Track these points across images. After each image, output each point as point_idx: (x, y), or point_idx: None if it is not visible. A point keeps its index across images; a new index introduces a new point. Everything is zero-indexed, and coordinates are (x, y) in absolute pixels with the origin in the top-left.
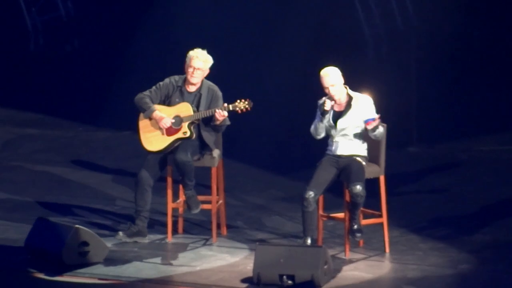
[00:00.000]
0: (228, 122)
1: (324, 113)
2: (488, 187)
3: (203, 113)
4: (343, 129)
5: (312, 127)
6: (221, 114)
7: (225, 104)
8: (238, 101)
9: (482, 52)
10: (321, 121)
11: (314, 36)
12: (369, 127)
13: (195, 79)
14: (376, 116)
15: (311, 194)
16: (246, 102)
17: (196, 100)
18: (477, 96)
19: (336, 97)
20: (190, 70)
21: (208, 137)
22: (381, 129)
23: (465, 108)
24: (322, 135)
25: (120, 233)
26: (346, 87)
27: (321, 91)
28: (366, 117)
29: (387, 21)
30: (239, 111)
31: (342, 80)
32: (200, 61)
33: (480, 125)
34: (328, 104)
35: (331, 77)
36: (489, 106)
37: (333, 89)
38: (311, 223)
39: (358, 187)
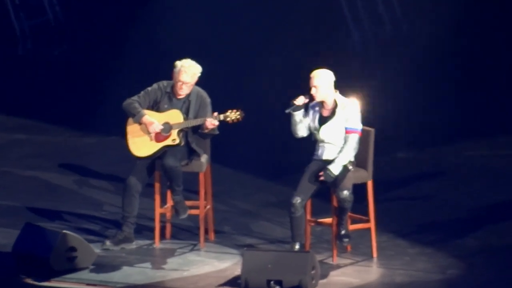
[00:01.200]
0: (216, 132)
1: (293, 106)
2: (477, 193)
3: (194, 121)
4: (326, 136)
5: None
6: (211, 123)
7: (216, 114)
8: (230, 111)
9: (471, 57)
10: (291, 116)
11: (302, 42)
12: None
13: (184, 92)
14: (359, 128)
15: (298, 199)
16: (238, 113)
17: (185, 106)
18: (466, 101)
19: (317, 99)
20: (179, 84)
21: (196, 142)
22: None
23: (453, 113)
24: (300, 133)
25: (107, 241)
26: (336, 92)
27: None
28: (348, 125)
29: (375, 26)
30: (230, 121)
31: (329, 85)
32: (187, 76)
33: (469, 131)
34: (299, 100)
35: (316, 79)
36: (478, 112)
37: (315, 90)
38: (299, 228)
39: (345, 192)
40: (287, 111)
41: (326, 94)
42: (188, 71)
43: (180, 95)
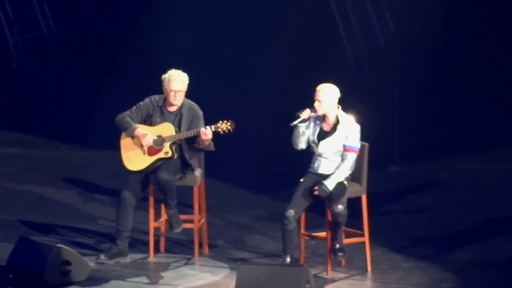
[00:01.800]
0: (212, 148)
1: (298, 119)
2: (470, 206)
3: (186, 133)
4: (324, 150)
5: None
6: (205, 133)
7: (207, 126)
8: (220, 122)
9: (465, 71)
10: (295, 128)
11: (296, 55)
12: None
13: (178, 101)
14: (358, 147)
15: (291, 212)
16: (229, 124)
17: (177, 120)
18: (459, 115)
19: (319, 113)
20: (172, 94)
21: (190, 156)
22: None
23: (447, 127)
24: (301, 146)
25: (101, 255)
26: (338, 107)
27: (308, 106)
28: (347, 143)
29: (368, 39)
30: (221, 132)
31: (333, 100)
32: (179, 83)
33: (462, 144)
34: (305, 112)
35: (320, 92)
36: (472, 125)
37: (317, 104)
38: (291, 241)
39: (340, 207)
40: (292, 124)
41: (329, 109)
42: (178, 78)
43: (174, 105)
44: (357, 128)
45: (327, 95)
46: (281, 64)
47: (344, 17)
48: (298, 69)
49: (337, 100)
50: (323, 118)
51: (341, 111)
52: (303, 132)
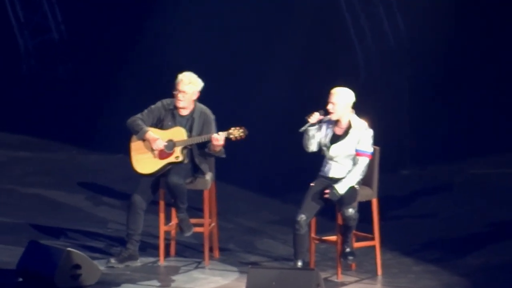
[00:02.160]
0: (223, 155)
1: (307, 124)
2: (481, 210)
3: (197, 138)
4: (335, 154)
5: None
6: (217, 139)
7: (220, 132)
8: (233, 128)
9: (476, 73)
10: (305, 132)
11: (307, 58)
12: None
13: (182, 103)
14: (370, 151)
15: (303, 217)
16: (241, 130)
17: (188, 124)
18: (471, 118)
19: (333, 117)
20: (176, 93)
21: (201, 160)
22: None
23: (458, 130)
24: (312, 148)
25: (112, 259)
26: (352, 111)
27: (316, 110)
28: (359, 148)
29: (379, 42)
30: (233, 139)
31: (347, 104)
32: (185, 84)
33: (473, 148)
34: (314, 117)
35: (334, 95)
36: (483, 129)
37: (331, 106)
38: (302, 245)
39: (351, 210)
40: (301, 129)
41: (343, 113)
42: (186, 80)
43: (178, 106)
44: (369, 133)
45: (342, 99)
46: (291, 66)
47: (355, 20)
48: (308, 71)
49: (351, 104)
50: (335, 122)
51: (355, 115)
52: (314, 135)
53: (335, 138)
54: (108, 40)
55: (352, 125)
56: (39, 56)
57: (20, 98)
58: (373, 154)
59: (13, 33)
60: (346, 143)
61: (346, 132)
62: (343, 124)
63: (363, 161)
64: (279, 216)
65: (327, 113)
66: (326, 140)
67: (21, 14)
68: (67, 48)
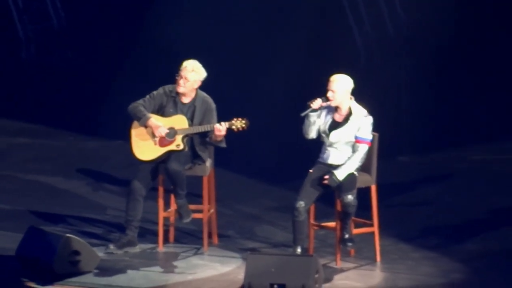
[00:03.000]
0: (224, 145)
1: (309, 109)
2: (480, 197)
3: (199, 128)
4: (335, 141)
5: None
6: (219, 129)
7: (222, 123)
8: (235, 119)
9: (474, 61)
10: (306, 117)
11: (306, 46)
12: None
13: (181, 89)
14: (370, 138)
15: (301, 204)
16: (244, 122)
17: (190, 111)
18: (469, 105)
19: (333, 104)
20: (178, 78)
21: (201, 149)
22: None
23: (457, 117)
24: (311, 135)
25: (110, 245)
26: (351, 98)
27: (319, 96)
28: (359, 135)
29: (378, 30)
30: (235, 130)
31: (346, 91)
32: (188, 71)
33: (472, 135)
34: (316, 102)
35: (333, 83)
36: (481, 115)
37: (331, 94)
38: (301, 232)
39: (350, 197)
40: (303, 114)
41: (342, 99)
42: (189, 67)
43: (178, 91)
44: (369, 120)
45: (341, 85)
46: (290, 54)
47: (354, 7)
48: (308, 59)
49: (350, 91)
50: (335, 109)
51: (354, 102)
52: (314, 122)
53: (335, 125)
54: (108, 26)
55: (352, 112)
56: (39, 43)
57: (19, 85)
58: (372, 141)
59: (12, 20)
60: (345, 130)
61: (346, 119)
62: (343, 111)
63: (363, 148)
64: (278, 203)
65: (327, 100)
66: (326, 127)
67: (20, 0)
68: (66, 34)
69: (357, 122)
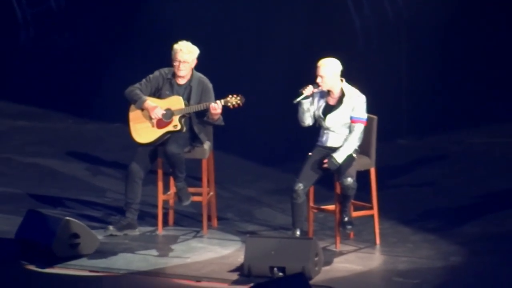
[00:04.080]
0: (222, 123)
1: (301, 96)
2: (479, 179)
3: (195, 107)
4: (331, 124)
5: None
6: (214, 107)
7: (217, 101)
8: (230, 96)
9: (473, 44)
10: (299, 105)
11: (305, 29)
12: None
13: (182, 72)
14: (365, 117)
15: (300, 186)
16: (238, 98)
17: (186, 92)
18: (468, 88)
19: (323, 88)
20: (176, 64)
21: (199, 129)
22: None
23: (455, 100)
24: (307, 122)
25: (110, 227)
26: (342, 80)
27: (311, 82)
28: (354, 115)
29: (377, 13)
30: (231, 107)
31: (335, 74)
32: (184, 54)
33: (471, 117)
34: (308, 89)
35: (322, 68)
36: (480, 98)
37: (320, 79)
38: (300, 214)
39: (349, 180)
40: (295, 101)
41: (333, 83)
42: (185, 49)
43: (180, 76)
44: (362, 99)
45: (329, 70)
46: (288, 37)
47: None
48: (306, 42)
49: (339, 73)
50: (328, 92)
51: (346, 83)
52: (308, 109)
53: (329, 109)
54: (106, 10)
55: (345, 93)
56: (37, 25)
57: (18, 68)
58: (368, 121)
59: (11, 3)
60: (340, 112)
61: (339, 101)
62: (336, 94)
63: (359, 128)
64: (277, 186)
65: (318, 85)
66: (320, 112)
67: None
68: (64, 17)
69: (350, 103)
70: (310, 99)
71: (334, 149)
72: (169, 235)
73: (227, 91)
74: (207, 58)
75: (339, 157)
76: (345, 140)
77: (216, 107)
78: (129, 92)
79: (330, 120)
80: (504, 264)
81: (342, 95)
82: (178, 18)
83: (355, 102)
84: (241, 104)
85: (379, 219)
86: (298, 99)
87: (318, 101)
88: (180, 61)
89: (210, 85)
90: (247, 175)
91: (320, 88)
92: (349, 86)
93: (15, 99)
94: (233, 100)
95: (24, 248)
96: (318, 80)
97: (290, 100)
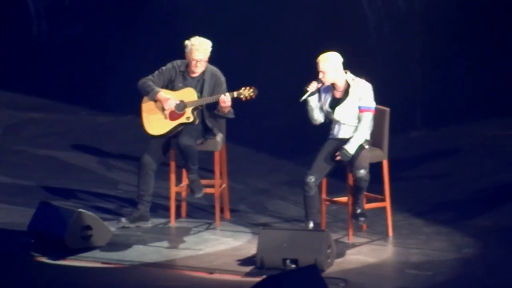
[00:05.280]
0: (232, 116)
1: (307, 93)
2: (492, 172)
3: (207, 99)
4: (341, 116)
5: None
6: (224, 100)
7: (227, 93)
8: (243, 88)
9: (486, 35)
10: (306, 103)
11: (316, 20)
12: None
13: (199, 69)
14: (373, 106)
15: (312, 178)
16: (251, 90)
17: (199, 85)
18: (481, 80)
19: (326, 83)
20: (193, 63)
21: (212, 121)
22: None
23: (468, 92)
24: (319, 120)
25: (123, 219)
26: (346, 72)
27: (315, 78)
28: (361, 104)
29: (389, 4)
30: (244, 99)
31: (336, 68)
32: (200, 53)
33: (484, 110)
34: (312, 86)
35: (321, 63)
36: (493, 91)
37: (322, 75)
38: (313, 207)
39: (362, 171)
40: (301, 99)
41: (335, 77)
42: (200, 48)
43: (196, 73)
44: (369, 87)
45: (329, 64)
46: (302, 30)
47: None
48: (319, 35)
49: (341, 66)
50: (333, 86)
51: (350, 74)
52: (316, 105)
53: (336, 102)
54: (119, 1)
55: (350, 84)
56: (49, 18)
57: (30, 60)
58: (377, 109)
59: None
60: (348, 104)
61: (345, 93)
62: (341, 87)
63: (368, 117)
64: (290, 178)
65: (321, 81)
66: (327, 106)
67: None
68: (77, 9)
69: (357, 92)
70: (317, 95)
71: (346, 140)
72: (181, 227)
73: (239, 83)
74: (219, 49)
75: (351, 148)
76: (355, 130)
77: (226, 99)
78: (142, 83)
79: (339, 113)
80: None
81: (348, 86)
82: (191, 9)
83: (362, 91)
84: (254, 96)
85: (391, 211)
86: (304, 97)
87: (325, 96)
88: (196, 60)
89: (223, 78)
90: (260, 167)
91: (323, 84)
92: (354, 76)
93: (28, 92)
94: (246, 92)
95: (36, 240)
96: (320, 76)
97: (301, 102)
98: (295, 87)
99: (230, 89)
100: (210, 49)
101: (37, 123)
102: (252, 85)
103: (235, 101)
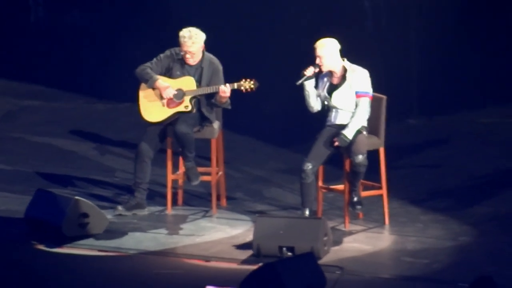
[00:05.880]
0: (229, 106)
1: (303, 77)
2: (489, 159)
3: (207, 89)
4: (338, 102)
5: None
6: (223, 91)
7: (227, 84)
8: (244, 80)
9: (484, 23)
10: (303, 87)
11: (313, 8)
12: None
13: (191, 61)
14: (370, 91)
15: (309, 166)
16: (252, 82)
17: (197, 73)
18: (479, 67)
19: (323, 69)
20: (185, 54)
21: (208, 110)
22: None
23: (466, 79)
24: (316, 107)
25: (119, 206)
26: (344, 59)
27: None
28: (358, 89)
29: None
30: (244, 91)
31: (333, 53)
32: (190, 45)
33: (481, 97)
34: (309, 70)
35: (319, 49)
36: (491, 78)
37: (319, 60)
38: (309, 194)
39: (361, 157)
40: (298, 82)
41: (332, 62)
42: (188, 40)
43: (189, 64)
44: (365, 73)
45: (326, 50)
46: (299, 18)
47: None
48: (316, 22)
49: (338, 52)
50: (330, 73)
51: (347, 61)
52: (313, 91)
53: (333, 88)
54: None
55: (347, 69)
56: (47, 5)
57: (28, 47)
58: (373, 95)
59: None
60: (345, 89)
61: (343, 78)
62: (338, 73)
63: (365, 102)
64: (287, 165)
65: (318, 66)
66: (325, 92)
67: None
68: None
69: (354, 78)
70: (313, 81)
71: (344, 126)
72: (178, 215)
73: (237, 72)
74: (218, 39)
75: (349, 133)
76: (352, 115)
77: (226, 90)
78: (140, 71)
79: (336, 98)
80: None
81: (345, 72)
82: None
83: (358, 77)
84: (254, 88)
85: (388, 199)
86: (301, 81)
87: (323, 82)
88: (187, 52)
89: (220, 67)
90: (256, 154)
91: (320, 69)
92: (350, 63)
93: (25, 79)
94: (246, 84)
95: (33, 228)
96: (317, 61)
97: (298, 85)
98: (293, 75)
99: (229, 79)
100: (201, 41)
101: (34, 110)
102: (250, 74)
103: (233, 91)
